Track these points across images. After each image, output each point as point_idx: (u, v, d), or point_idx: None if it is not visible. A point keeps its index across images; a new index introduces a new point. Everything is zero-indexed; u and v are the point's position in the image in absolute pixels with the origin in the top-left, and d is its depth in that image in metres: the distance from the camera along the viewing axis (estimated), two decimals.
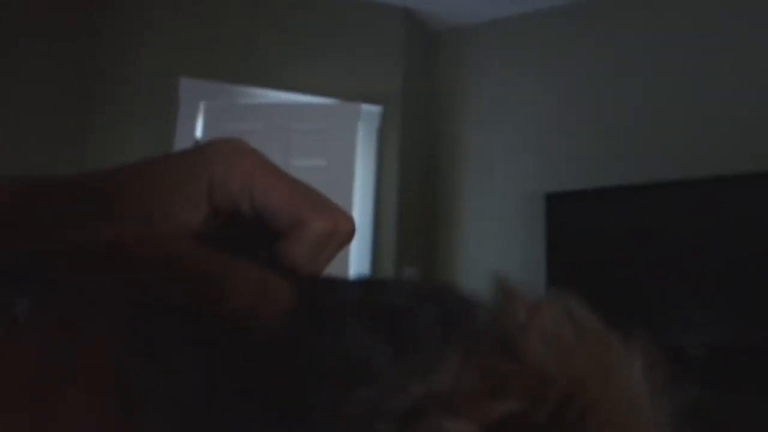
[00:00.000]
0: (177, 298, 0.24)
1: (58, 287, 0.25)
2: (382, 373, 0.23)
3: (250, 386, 0.23)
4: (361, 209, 2.66)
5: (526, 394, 0.22)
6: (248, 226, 0.27)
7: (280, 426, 0.22)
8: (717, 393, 2.05)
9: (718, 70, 2.53)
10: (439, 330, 0.24)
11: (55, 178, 0.25)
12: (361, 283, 0.27)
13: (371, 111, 2.74)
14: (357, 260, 2.59)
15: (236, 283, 0.24)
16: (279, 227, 0.27)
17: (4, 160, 2.30)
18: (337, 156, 2.62)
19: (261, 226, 0.27)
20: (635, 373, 0.25)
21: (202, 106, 2.61)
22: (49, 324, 0.24)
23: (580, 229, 2.57)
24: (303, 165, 2.54)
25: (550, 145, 2.78)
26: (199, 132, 2.59)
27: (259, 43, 2.71)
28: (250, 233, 0.28)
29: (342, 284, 0.27)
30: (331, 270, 0.29)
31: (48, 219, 0.24)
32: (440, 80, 3.12)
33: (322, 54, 2.76)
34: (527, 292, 0.26)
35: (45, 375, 0.23)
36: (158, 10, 2.65)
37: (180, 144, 2.55)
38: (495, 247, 2.76)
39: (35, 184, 0.25)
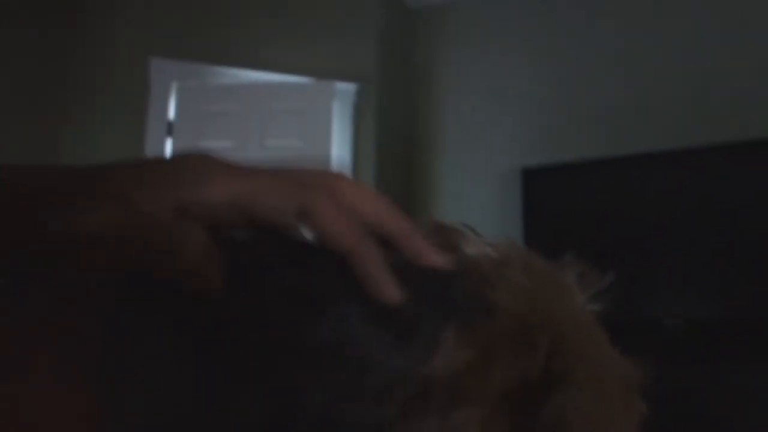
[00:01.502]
0: (130, 261, 0.24)
1: (33, 273, 0.25)
2: (382, 361, 0.23)
3: (240, 381, 0.23)
4: None
5: (514, 355, 0.23)
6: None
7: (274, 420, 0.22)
8: (693, 364, 2.10)
9: (697, 41, 2.55)
10: (426, 307, 0.24)
11: (27, 171, 0.25)
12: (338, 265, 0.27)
13: (347, 89, 2.72)
14: None
15: (182, 245, 0.24)
16: (282, 225, 0.27)
17: None
18: (313, 135, 2.60)
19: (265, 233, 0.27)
20: (583, 302, 0.28)
21: (174, 87, 2.57)
22: (23, 309, 0.24)
23: (556, 203, 2.59)
24: (278, 145, 2.52)
25: (526, 120, 2.79)
26: (171, 114, 2.55)
27: (231, 22, 2.66)
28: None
29: (322, 263, 0.26)
30: None
31: (21, 212, 0.24)
32: (416, 57, 3.11)
33: (297, 32, 2.73)
34: (483, 243, 0.28)
35: (20, 357, 0.23)
36: None
37: (152, 126, 2.51)
38: (473, 223, 2.77)
39: (10, 172, 0.25)
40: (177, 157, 0.26)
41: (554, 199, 2.60)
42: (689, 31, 2.56)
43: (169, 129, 2.53)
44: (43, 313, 0.25)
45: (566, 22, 2.80)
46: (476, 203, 2.81)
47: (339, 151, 2.68)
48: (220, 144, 2.49)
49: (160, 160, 0.26)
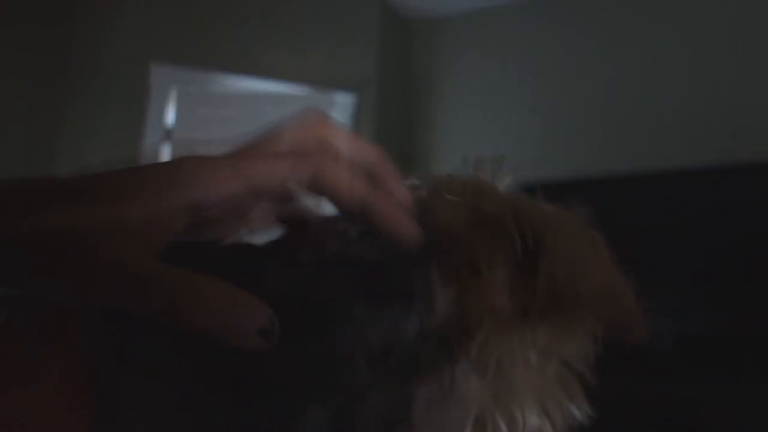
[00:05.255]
0: (137, 311, 0.23)
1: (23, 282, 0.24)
2: (407, 336, 0.23)
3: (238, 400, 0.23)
4: None
5: (495, 252, 0.26)
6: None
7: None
8: (684, 383, 2.10)
9: (696, 59, 2.56)
10: (402, 262, 0.25)
11: (16, 178, 0.25)
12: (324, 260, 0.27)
13: (345, 99, 2.73)
14: None
15: (201, 304, 0.23)
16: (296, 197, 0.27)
17: None
18: None
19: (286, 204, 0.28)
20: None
21: (173, 93, 2.58)
22: (19, 322, 0.24)
23: None
24: None
25: (526, 136, 2.79)
26: (170, 120, 2.55)
27: (232, 29, 2.67)
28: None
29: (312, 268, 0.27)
30: None
31: (7, 207, 0.23)
32: (415, 68, 3.12)
33: (297, 41, 2.74)
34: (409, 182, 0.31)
35: (16, 371, 0.23)
36: None
37: (151, 132, 2.51)
38: None
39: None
40: (174, 161, 0.26)
41: None
42: (697, 47, 2.57)
43: (167, 135, 2.53)
44: (44, 322, 0.24)
45: (565, 37, 2.81)
46: None
47: None
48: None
49: (157, 166, 0.26)
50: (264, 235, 0.31)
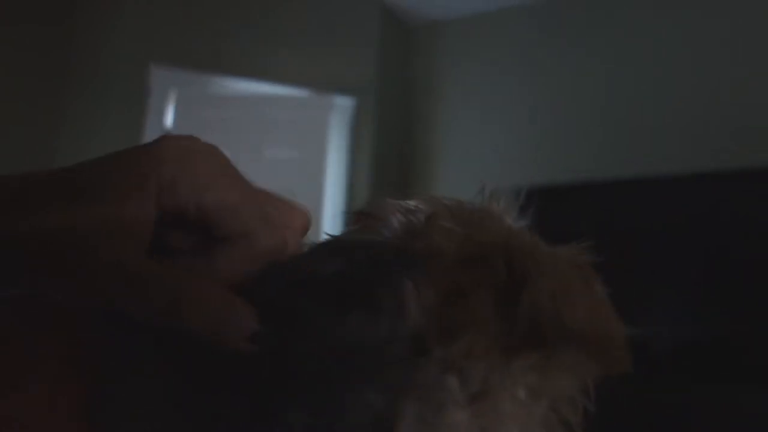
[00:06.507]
0: (136, 314, 0.23)
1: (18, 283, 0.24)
2: (371, 344, 0.24)
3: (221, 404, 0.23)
4: (332, 201, 2.66)
5: (476, 283, 0.26)
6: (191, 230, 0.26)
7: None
8: (682, 386, 2.10)
9: (696, 60, 2.56)
10: (374, 277, 0.25)
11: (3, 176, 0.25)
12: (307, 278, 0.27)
13: (344, 103, 2.73)
14: None
15: (200, 305, 0.23)
16: (224, 234, 0.26)
17: None
18: (310, 147, 2.60)
19: (205, 230, 0.26)
20: (514, 223, 0.32)
21: (172, 95, 2.58)
22: (19, 322, 0.24)
23: (552, 223, 2.58)
24: (276, 156, 2.53)
25: (525, 140, 2.80)
26: (169, 121, 2.55)
27: (232, 32, 2.67)
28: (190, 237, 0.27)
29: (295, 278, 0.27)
30: None
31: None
32: (414, 72, 3.12)
33: (297, 43, 2.74)
34: (409, 208, 0.31)
35: (16, 371, 0.23)
36: None
37: (150, 134, 2.51)
38: None
39: None
40: (162, 140, 0.26)
41: (550, 218, 2.59)
42: (696, 52, 2.57)
43: None
44: (44, 322, 0.24)
45: (565, 39, 2.82)
46: None
47: (336, 165, 2.69)
48: None
49: (143, 147, 0.26)
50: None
